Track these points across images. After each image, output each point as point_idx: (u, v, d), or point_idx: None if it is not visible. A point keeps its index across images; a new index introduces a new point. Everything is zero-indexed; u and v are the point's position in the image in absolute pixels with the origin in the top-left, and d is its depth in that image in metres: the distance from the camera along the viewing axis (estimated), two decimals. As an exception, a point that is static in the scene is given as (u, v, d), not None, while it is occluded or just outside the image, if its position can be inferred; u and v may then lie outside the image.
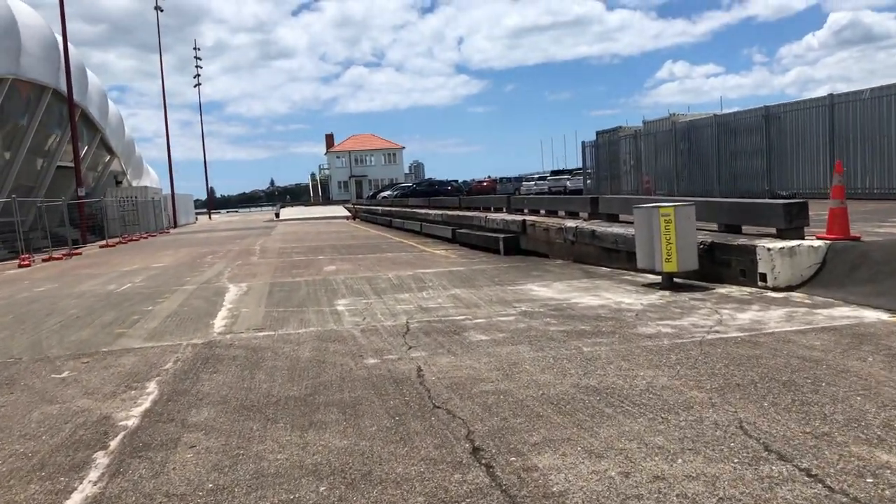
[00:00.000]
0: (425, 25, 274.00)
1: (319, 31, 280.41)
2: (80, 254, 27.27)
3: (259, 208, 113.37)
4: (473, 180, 68.72)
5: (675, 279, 9.87)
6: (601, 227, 13.24)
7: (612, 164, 33.79)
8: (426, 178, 77.12)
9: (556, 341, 6.83)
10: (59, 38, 39.82)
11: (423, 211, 29.62)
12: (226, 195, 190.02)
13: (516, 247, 17.31)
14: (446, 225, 24.14)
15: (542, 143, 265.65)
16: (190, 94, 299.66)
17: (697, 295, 8.96)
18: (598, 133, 35.42)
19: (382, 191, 61.12)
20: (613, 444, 4.08)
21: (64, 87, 35.36)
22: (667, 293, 9.29)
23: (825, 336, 6.34)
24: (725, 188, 23.99)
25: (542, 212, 18.32)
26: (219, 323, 9.11)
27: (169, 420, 5.11)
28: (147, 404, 5.56)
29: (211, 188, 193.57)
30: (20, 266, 22.36)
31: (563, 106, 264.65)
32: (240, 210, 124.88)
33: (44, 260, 24.67)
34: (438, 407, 5.00)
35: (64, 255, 26.49)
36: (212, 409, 5.29)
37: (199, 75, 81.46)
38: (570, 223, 14.62)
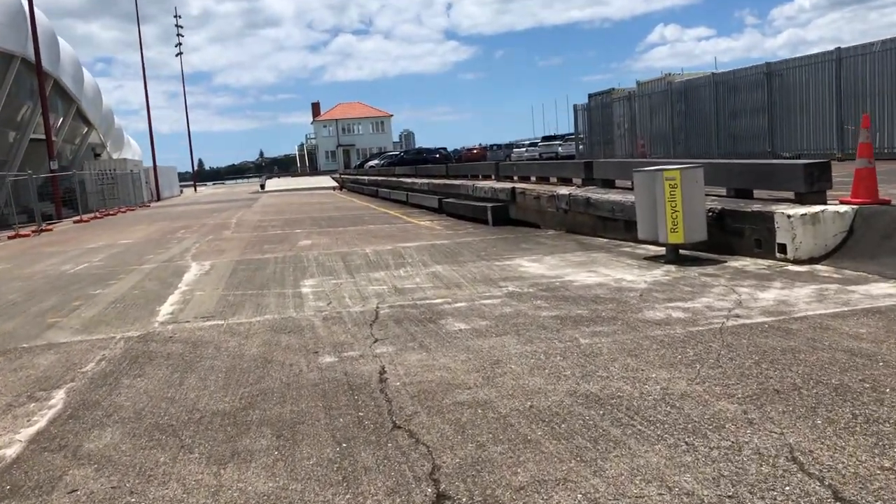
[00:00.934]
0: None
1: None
2: (50, 230, 26.02)
3: (247, 180, 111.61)
4: (463, 148, 67.36)
5: (682, 251, 8.82)
6: (596, 194, 12.14)
7: (605, 129, 32.60)
8: (415, 146, 75.74)
9: (548, 330, 5.77)
10: (27, 5, 38.16)
11: (409, 180, 28.43)
12: (215, 167, 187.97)
13: (505, 217, 16.22)
14: (433, 194, 22.98)
15: (534, 110, 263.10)
16: (176, 65, 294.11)
17: (709, 269, 7.90)
18: (590, 96, 34.17)
19: (370, 160, 59.74)
20: (625, 488, 3.03)
21: (33, 56, 33.80)
22: (673, 268, 8.23)
23: (870, 321, 5.29)
24: (725, 150, 22.89)
25: (533, 179, 17.20)
26: (166, 309, 8.01)
27: (59, 448, 4.03)
28: (42, 423, 4.48)
29: (199, 160, 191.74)
30: (-18, 244, 21.18)
31: (554, 72, 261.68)
32: (226, 182, 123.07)
33: (9, 237, 23.42)
34: (399, 427, 3.94)
35: (33, 231, 25.27)
36: (118, 431, 4.22)
37: (180, 44, 79.41)
38: (563, 190, 13.51)
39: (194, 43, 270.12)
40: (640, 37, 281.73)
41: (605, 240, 11.42)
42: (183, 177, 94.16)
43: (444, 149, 48.84)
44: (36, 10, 37.77)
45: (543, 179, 16.51)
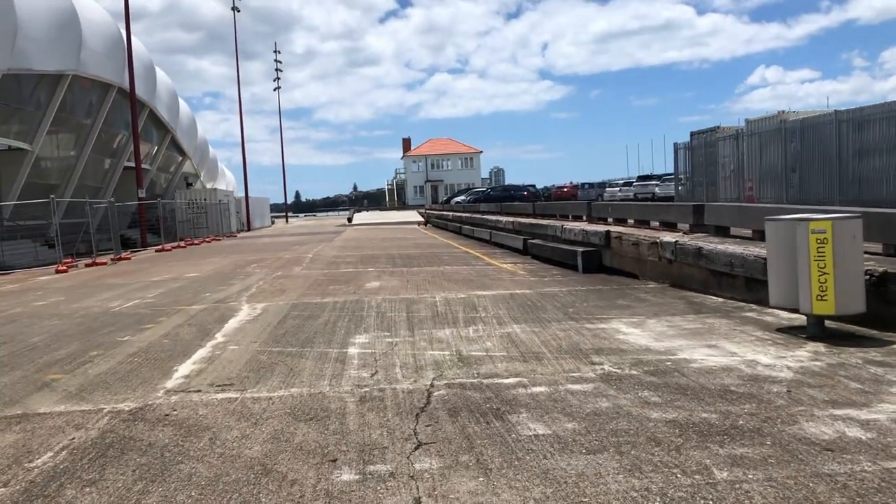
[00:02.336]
0: (510, 31, 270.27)
1: (405, 38, 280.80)
2: (129, 259, 25.76)
3: (337, 212, 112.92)
4: (553, 186, 65.47)
5: (827, 323, 6.87)
6: (710, 243, 10.23)
7: (708, 169, 30.19)
8: (503, 183, 74.42)
9: (663, 448, 4.02)
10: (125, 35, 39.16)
11: (493, 218, 26.91)
12: (310, 199, 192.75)
13: (598, 263, 14.42)
14: (518, 234, 21.36)
15: (629, 149, 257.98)
16: (280, 100, 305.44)
17: (873, 354, 5.94)
18: (692, 134, 31.86)
19: (456, 195, 58.68)
20: None
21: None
22: (821, 347, 6.30)
23: None
24: (849, 195, 20.33)
25: (631, 222, 15.35)
26: (183, 370, 6.65)
27: None
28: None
29: (297, 192, 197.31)
30: (56, 272, 20.85)
31: (650, 112, 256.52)
32: (318, 214, 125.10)
33: (86, 265, 23.15)
34: None
35: (112, 259, 25.04)
36: None
37: (278, 79, 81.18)
38: (668, 237, 11.64)
39: (298, 80, 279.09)
40: (740, 78, 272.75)
41: (721, 300, 9.50)
42: (280, 208, 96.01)
43: (533, 186, 47.21)
44: (134, 40, 38.67)
45: (642, 223, 14.65)
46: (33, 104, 29.27)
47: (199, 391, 5.84)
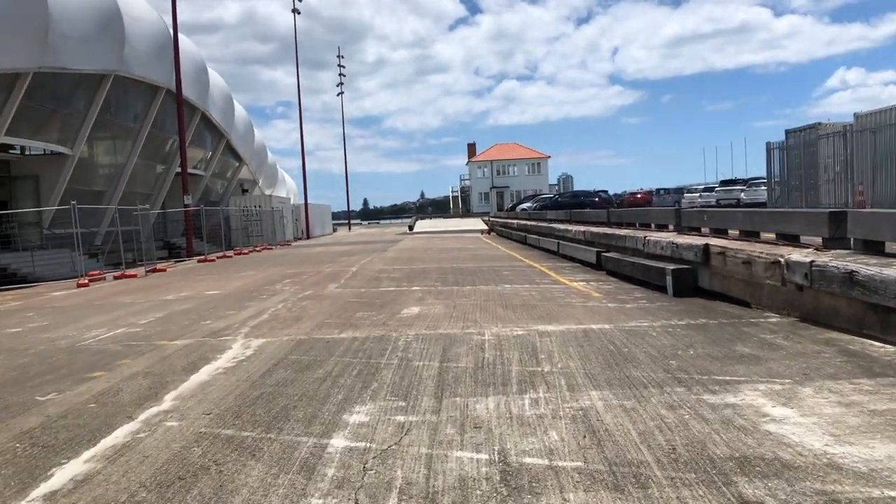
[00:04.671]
0: (580, 36, 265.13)
1: (475, 45, 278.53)
2: (164, 270, 23.89)
3: (401, 220, 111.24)
4: (625, 192, 61.78)
5: None
6: (869, 266, 7.25)
7: (807, 171, 26.62)
8: (571, 189, 71.01)
9: None
10: (185, 39, 37.77)
11: (561, 227, 24.02)
12: (378, 206, 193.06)
13: (693, 285, 11.53)
14: (590, 245, 18.47)
15: (706, 153, 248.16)
16: (351, 109, 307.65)
17: None
18: (788, 132, 28.27)
19: (522, 202, 55.66)
20: None
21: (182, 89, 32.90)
22: None
23: None
24: None
25: (734, 233, 12.34)
26: (60, 478, 4.17)
27: None
28: None
29: (364, 199, 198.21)
30: (78, 286, 19.01)
31: (723, 117, 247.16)
32: (381, 222, 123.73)
33: (115, 277, 21.32)
34: None
35: (148, 271, 23.20)
36: None
37: (342, 83, 79.96)
38: (797, 255, 8.66)
39: (368, 88, 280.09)
40: (818, 81, 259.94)
41: (894, 349, 6.54)
42: (346, 215, 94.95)
43: (605, 191, 43.74)
44: (186, 41, 37.30)
45: (750, 234, 11.62)
46: (72, 106, 27.83)
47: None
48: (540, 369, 6.34)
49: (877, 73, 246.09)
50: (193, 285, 17.19)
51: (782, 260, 8.87)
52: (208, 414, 5.37)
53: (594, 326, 8.54)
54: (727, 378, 5.73)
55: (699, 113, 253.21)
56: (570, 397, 5.35)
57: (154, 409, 5.59)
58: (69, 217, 29.10)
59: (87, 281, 19.59)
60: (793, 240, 10.31)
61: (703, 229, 13.91)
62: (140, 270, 22.64)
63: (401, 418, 5.01)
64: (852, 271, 7.34)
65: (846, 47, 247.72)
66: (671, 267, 11.81)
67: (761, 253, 9.58)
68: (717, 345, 7.12)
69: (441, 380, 6.10)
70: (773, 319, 8.58)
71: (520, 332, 8.30)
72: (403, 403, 5.40)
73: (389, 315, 10.30)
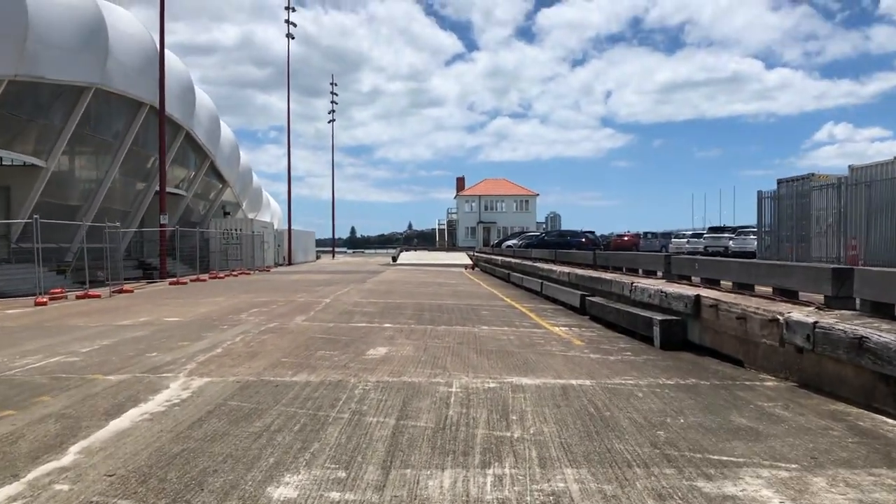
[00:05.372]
0: (574, 78, 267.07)
1: (470, 81, 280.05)
2: (130, 291, 22.91)
3: (387, 250, 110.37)
4: (612, 234, 61.38)
5: None
6: (881, 333, 6.52)
7: (798, 223, 26.11)
8: (558, 228, 70.57)
9: None
10: (173, 55, 37.13)
11: (546, 266, 23.31)
12: (365, 235, 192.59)
13: (682, 338, 10.78)
14: (574, 288, 17.74)
15: (695, 199, 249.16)
16: (343, 137, 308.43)
17: None
18: (780, 182, 27.82)
19: (507, 239, 55.08)
20: None
21: (166, 107, 32.13)
22: None
23: None
24: None
25: (726, 284, 11.64)
26: None
27: None
28: None
29: (352, 227, 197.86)
30: (36, 304, 18.03)
31: (712, 164, 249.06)
32: (367, 251, 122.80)
33: (77, 297, 20.35)
34: None
35: (114, 291, 22.21)
36: None
37: (333, 111, 79.64)
38: (797, 314, 7.92)
39: (362, 118, 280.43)
40: (806, 134, 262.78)
41: (910, 428, 5.78)
42: (335, 243, 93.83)
43: (592, 232, 43.22)
44: (174, 58, 36.70)
45: (744, 287, 10.91)
46: (49, 117, 26.99)
47: None
48: (510, 434, 5.51)
49: (864, 130, 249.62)
50: (155, 310, 16.26)
51: (781, 318, 8.13)
52: (111, 475, 4.51)
53: (574, 382, 7.73)
54: (724, 458, 4.93)
55: (688, 159, 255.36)
56: (541, 476, 4.53)
57: (50, 466, 4.71)
58: (41, 231, 28.18)
59: (45, 300, 18.61)
60: (791, 296, 9.60)
61: (693, 278, 13.22)
62: (105, 291, 21.65)
63: (335, 495, 4.16)
64: (862, 337, 6.60)
65: (835, 102, 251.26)
66: (659, 317, 11.06)
67: (757, 309, 8.84)
68: (711, 412, 6.33)
69: (394, 443, 5.26)
70: (770, 383, 7.82)
71: (491, 385, 7.48)
72: (343, 474, 4.55)
73: (353, 356, 9.46)
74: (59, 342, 10.79)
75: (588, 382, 7.71)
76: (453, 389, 7.23)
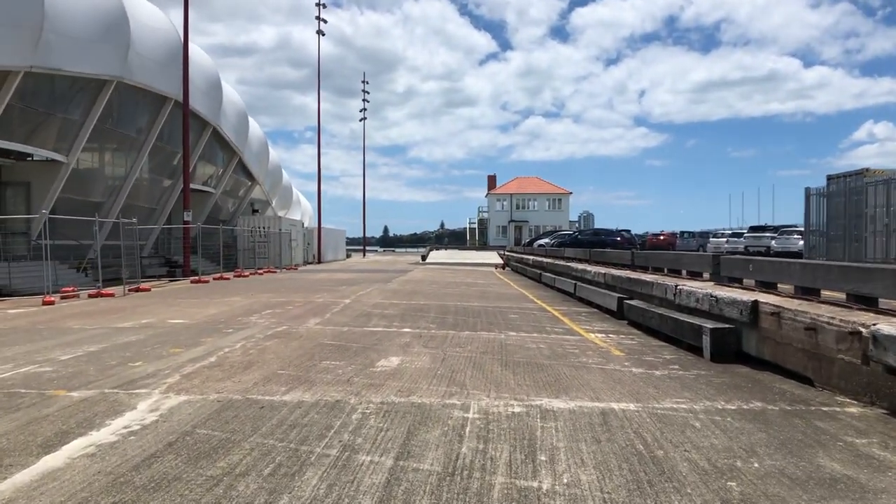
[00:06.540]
0: (608, 77, 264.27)
1: (503, 80, 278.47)
2: (148, 290, 22.06)
3: (417, 249, 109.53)
4: (647, 233, 59.54)
5: None
6: None
7: (850, 222, 24.38)
8: (591, 227, 68.82)
9: None
10: (197, 50, 36.41)
11: (580, 266, 21.96)
12: (398, 234, 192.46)
13: (735, 348, 9.47)
14: (610, 290, 16.42)
15: (732, 199, 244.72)
16: (378, 138, 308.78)
17: None
18: (829, 178, 26.08)
19: (540, 238, 53.57)
20: None
21: (192, 102, 31.34)
22: None
23: None
24: None
25: (785, 288, 10.27)
26: None
27: None
28: None
29: (385, 226, 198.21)
30: (44, 303, 17.22)
31: (747, 163, 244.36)
32: (398, 249, 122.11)
33: (90, 295, 19.54)
34: None
35: (131, 290, 21.39)
36: None
37: (364, 109, 78.72)
38: (889, 328, 6.57)
39: (396, 118, 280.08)
40: (844, 133, 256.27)
41: None
42: (368, 241, 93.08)
43: (628, 231, 41.51)
44: (200, 52, 35.98)
45: (809, 291, 9.54)
46: (69, 111, 26.28)
47: None
48: (536, 484, 4.30)
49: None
50: (163, 311, 15.29)
51: (865, 331, 6.79)
52: (3, 544, 3.39)
53: (616, 406, 6.47)
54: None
55: (723, 159, 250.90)
56: (578, 556, 3.31)
57: (-66, 526, 3.62)
58: (61, 228, 27.54)
59: (54, 299, 17.80)
60: (869, 303, 8.24)
61: (743, 281, 11.86)
62: (120, 289, 20.82)
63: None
64: (981, 358, 5.26)
65: (875, 100, 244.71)
66: (710, 325, 9.74)
67: (832, 318, 7.50)
68: (791, 453, 5.05)
69: (386, 495, 4.07)
70: (853, 409, 6.49)
71: (517, 410, 6.26)
72: (310, 549, 3.38)
73: (360, 367, 8.31)
74: (41, 348, 9.80)
75: (633, 407, 6.45)
76: (470, 415, 6.03)
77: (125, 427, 5.55)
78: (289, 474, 4.44)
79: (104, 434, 5.36)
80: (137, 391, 6.89)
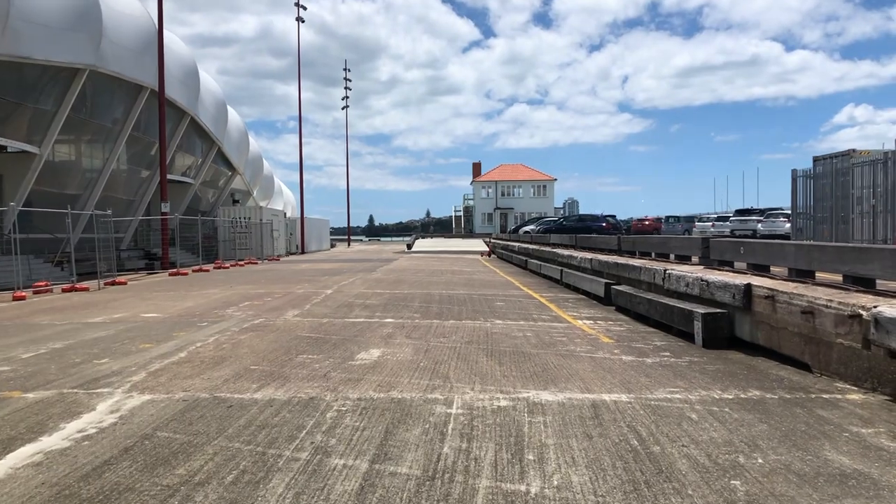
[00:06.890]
0: (592, 63, 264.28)
1: (487, 68, 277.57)
2: (124, 283, 21.52)
3: (403, 238, 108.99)
4: (632, 219, 59.34)
5: None
6: None
7: (837, 203, 24.21)
8: (577, 213, 68.62)
9: None
10: (174, 37, 35.66)
11: (565, 252, 21.63)
12: (384, 223, 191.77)
13: (728, 334, 9.17)
14: (597, 275, 16.11)
15: (716, 183, 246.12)
16: (361, 126, 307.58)
17: None
18: (815, 159, 25.87)
19: (525, 224, 53.27)
20: None
21: (168, 91, 30.60)
22: None
23: None
24: None
25: (779, 270, 9.96)
26: None
27: None
28: None
29: (370, 216, 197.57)
30: (14, 298, 16.67)
31: (730, 148, 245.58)
32: (382, 239, 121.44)
33: (64, 290, 18.99)
34: None
35: (107, 283, 20.85)
36: None
37: (347, 97, 77.87)
38: (890, 309, 6.25)
39: (380, 107, 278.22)
40: (825, 117, 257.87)
41: None
42: (353, 231, 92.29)
43: (613, 216, 41.18)
44: (175, 40, 35.23)
45: (803, 274, 9.22)
46: (40, 101, 25.58)
47: None
48: (524, 488, 3.93)
49: (885, 111, 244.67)
50: (138, 304, 14.81)
51: (865, 314, 6.48)
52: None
53: (607, 397, 6.12)
54: (842, 532, 3.32)
55: (707, 143, 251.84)
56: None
57: None
58: (36, 221, 26.88)
59: (26, 293, 17.25)
60: (866, 284, 7.92)
61: (734, 264, 11.55)
62: (95, 283, 20.28)
63: None
64: None
65: (856, 84, 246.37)
66: (701, 310, 9.42)
67: (829, 301, 7.18)
68: (795, 445, 4.71)
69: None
70: (855, 397, 6.18)
71: (503, 404, 5.90)
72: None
73: (339, 361, 7.92)
74: (2, 346, 9.33)
75: (625, 398, 6.11)
76: (453, 410, 5.66)
77: (80, 431, 5.14)
78: (253, 482, 4.05)
79: (55, 439, 4.94)
80: (99, 391, 6.46)
